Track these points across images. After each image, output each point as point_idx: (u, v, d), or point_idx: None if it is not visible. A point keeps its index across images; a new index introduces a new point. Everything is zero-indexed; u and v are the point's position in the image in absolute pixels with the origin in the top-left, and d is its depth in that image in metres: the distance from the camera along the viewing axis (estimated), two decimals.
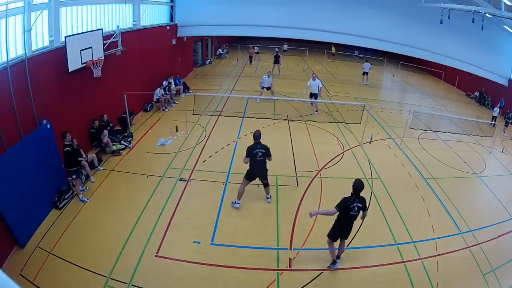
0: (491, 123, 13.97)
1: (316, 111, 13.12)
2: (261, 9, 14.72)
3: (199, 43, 21.18)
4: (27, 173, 5.76)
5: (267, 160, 6.53)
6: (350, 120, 11.79)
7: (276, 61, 19.40)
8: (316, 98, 13.13)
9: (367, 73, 19.16)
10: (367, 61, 19.96)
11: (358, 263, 5.54)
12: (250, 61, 23.12)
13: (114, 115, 9.96)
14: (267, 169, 6.62)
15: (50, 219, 6.17)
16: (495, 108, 14.46)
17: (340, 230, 5.15)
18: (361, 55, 28.29)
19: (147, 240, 5.70)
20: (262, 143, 6.48)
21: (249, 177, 6.58)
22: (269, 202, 6.96)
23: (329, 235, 5.25)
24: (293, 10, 14.70)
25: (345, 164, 9.05)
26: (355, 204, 4.84)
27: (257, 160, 6.38)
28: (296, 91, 14.32)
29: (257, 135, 6.39)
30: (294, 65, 23.97)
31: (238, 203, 6.72)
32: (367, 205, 5.31)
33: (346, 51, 29.35)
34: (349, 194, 4.86)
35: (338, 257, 5.44)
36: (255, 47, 25.38)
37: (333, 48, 29.24)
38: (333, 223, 5.18)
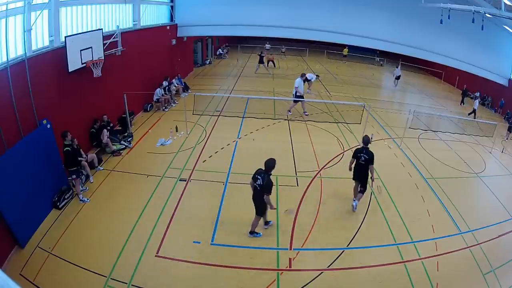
0: (469, 114, 14.33)
1: (305, 112, 12.45)
2: (261, 9, 14.74)
3: (199, 43, 21.19)
4: (27, 173, 5.76)
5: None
6: (350, 120, 11.79)
7: (260, 60, 20.00)
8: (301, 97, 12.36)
9: (398, 78, 19.57)
10: (397, 66, 20.35)
11: (358, 263, 5.54)
12: (268, 65, 21.10)
13: (114, 115, 9.96)
14: None
15: (50, 219, 6.17)
16: (476, 101, 14.67)
17: (355, 173, 6.83)
18: (381, 62, 28.12)
19: (147, 240, 5.70)
20: None
21: None
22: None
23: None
24: (293, 10, 14.71)
25: (345, 164, 8.97)
26: (361, 154, 6.57)
27: None
28: None
29: None
30: (294, 65, 23.96)
31: None
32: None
33: (360, 53, 28.45)
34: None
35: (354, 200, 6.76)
36: (266, 45, 24.56)
37: (345, 50, 27.39)
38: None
